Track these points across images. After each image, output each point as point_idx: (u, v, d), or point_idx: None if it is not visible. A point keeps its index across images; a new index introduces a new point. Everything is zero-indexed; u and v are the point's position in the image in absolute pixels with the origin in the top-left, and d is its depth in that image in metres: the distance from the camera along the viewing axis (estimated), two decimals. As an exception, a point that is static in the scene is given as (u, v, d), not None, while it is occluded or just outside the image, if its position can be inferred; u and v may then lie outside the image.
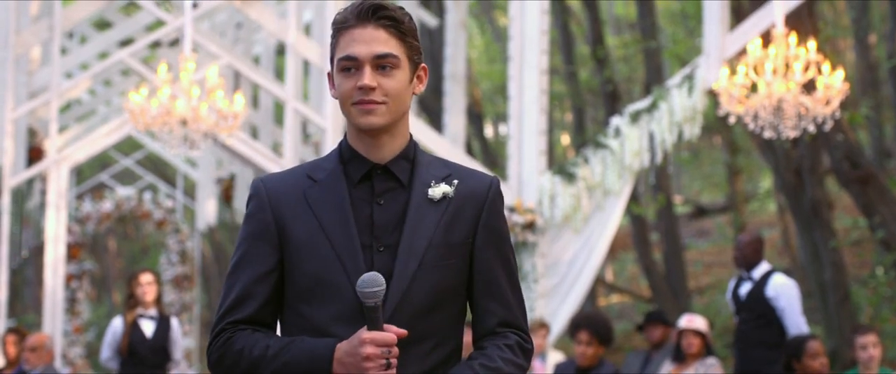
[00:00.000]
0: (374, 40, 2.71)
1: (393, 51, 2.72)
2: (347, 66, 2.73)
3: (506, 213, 10.33)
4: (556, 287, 10.64)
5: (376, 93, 2.71)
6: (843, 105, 8.74)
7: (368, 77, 2.70)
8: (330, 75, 2.81)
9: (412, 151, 2.81)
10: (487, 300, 2.80)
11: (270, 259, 2.74)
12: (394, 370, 2.61)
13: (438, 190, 2.76)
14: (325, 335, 2.69)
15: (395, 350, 2.61)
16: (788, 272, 10.17)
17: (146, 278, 9.34)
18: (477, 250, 2.78)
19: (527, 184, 10.81)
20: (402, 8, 2.77)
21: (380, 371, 2.59)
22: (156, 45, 16.31)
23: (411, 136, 2.83)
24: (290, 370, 2.66)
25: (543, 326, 9.60)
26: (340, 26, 2.75)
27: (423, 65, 2.82)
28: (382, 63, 2.71)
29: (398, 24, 2.73)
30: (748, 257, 8.95)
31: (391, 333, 2.62)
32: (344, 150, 2.80)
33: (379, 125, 2.72)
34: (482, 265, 2.79)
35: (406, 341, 2.67)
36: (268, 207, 2.77)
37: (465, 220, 2.77)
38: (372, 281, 2.62)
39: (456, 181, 2.78)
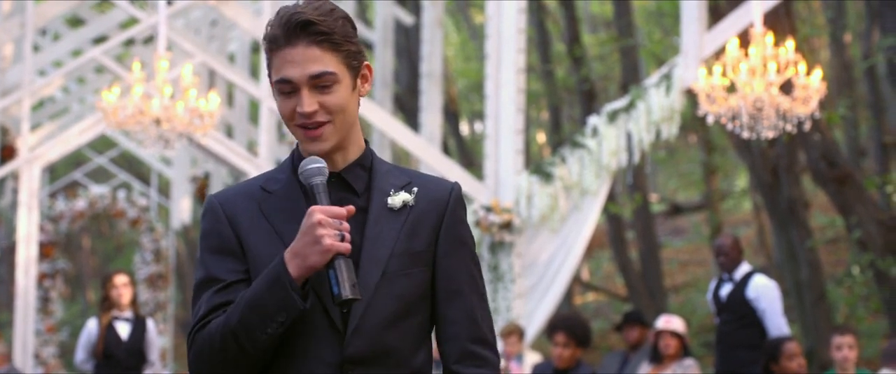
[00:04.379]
0: (306, 61, 2.57)
1: (328, 68, 2.58)
2: (284, 89, 2.61)
3: (483, 212, 10.13)
4: (533, 287, 10.61)
5: (318, 114, 2.60)
6: (821, 105, 8.72)
7: (307, 102, 2.58)
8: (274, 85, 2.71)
9: (369, 159, 2.71)
10: (452, 310, 2.71)
11: (236, 272, 2.64)
12: (348, 244, 2.50)
13: (398, 198, 2.67)
14: (293, 347, 2.60)
15: (346, 225, 2.52)
16: (764, 271, 10.16)
17: (121, 279, 9.22)
18: (440, 258, 2.70)
19: (504, 183, 10.76)
20: (334, 9, 2.61)
21: (335, 240, 2.48)
22: (130, 42, 16.21)
23: (367, 143, 2.74)
24: (253, 300, 2.53)
25: (517, 330, 9.55)
26: (272, 46, 2.62)
27: (365, 64, 2.68)
28: (319, 82, 2.59)
29: (330, 36, 2.59)
30: (735, 259, 8.95)
31: (342, 208, 2.54)
32: (296, 160, 2.69)
33: (328, 149, 2.63)
34: (445, 274, 2.70)
35: (372, 355, 2.60)
36: (224, 220, 2.66)
37: (426, 228, 2.68)
38: (311, 160, 2.59)
39: (416, 189, 2.69)
